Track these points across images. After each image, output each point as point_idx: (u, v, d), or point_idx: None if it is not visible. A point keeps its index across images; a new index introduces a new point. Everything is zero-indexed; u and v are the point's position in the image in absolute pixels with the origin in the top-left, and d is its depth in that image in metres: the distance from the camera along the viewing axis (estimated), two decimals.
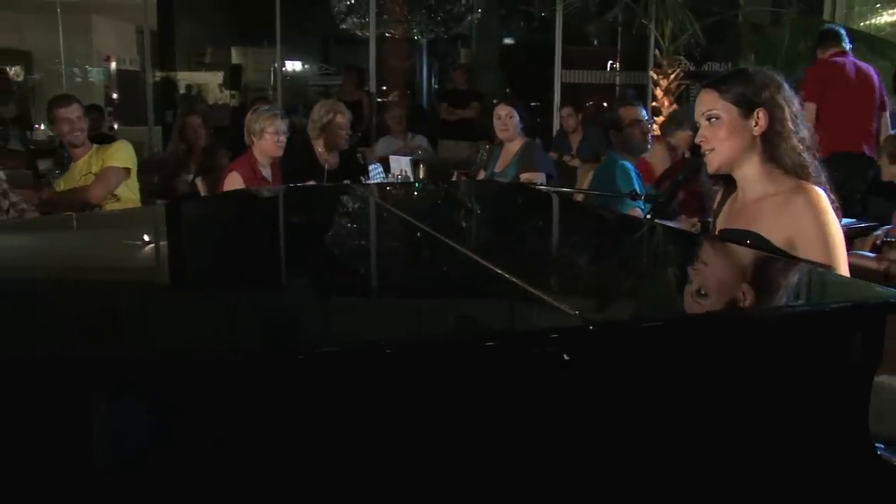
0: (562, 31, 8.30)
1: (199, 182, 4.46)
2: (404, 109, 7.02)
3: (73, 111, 4.12)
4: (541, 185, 3.04)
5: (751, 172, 2.11)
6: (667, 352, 1.13)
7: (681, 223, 3.83)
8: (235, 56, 11.40)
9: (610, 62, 9.71)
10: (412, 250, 1.75)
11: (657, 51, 6.44)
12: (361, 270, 1.64)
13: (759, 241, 2.04)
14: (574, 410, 1.10)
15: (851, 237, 4.05)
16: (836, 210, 2.06)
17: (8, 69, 9.96)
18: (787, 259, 1.87)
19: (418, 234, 1.84)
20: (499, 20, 10.50)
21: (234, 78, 11.03)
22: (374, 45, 8.78)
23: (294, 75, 11.49)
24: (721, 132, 2.09)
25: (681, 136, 4.78)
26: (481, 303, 1.28)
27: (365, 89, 8.41)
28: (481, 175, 5.04)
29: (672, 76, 6.25)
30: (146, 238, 1.90)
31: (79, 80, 10.37)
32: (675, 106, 6.25)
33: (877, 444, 1.34)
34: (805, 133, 2.10)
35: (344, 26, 10.12)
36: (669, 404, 1.15)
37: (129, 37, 10.67)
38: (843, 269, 1.99)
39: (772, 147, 2.07)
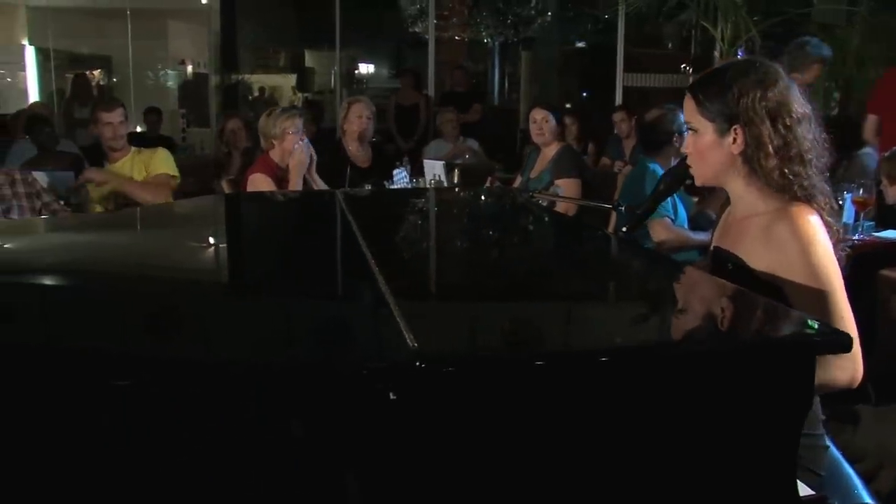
0: (629, 34, 8.05)
1: (224, 184, 4.45)
2: (456, 113, 6.90)
3: (115, 116, 4.12)
4: (532, 193, 2.87)
5: (736, 188, 1.90)
6: (526, 395, 0.98)
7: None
8: (308, 59, 11.54)
9: (683, 65, 9.38)
10: (309, 255, 1.63)
11: (717, 53, 6.14)
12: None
13: (741, 266, 1.84)
14: (415, 456, 0.96)
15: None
16: (832, 233, 1.83)
17: (88, 73, 10.32)
18: (751, 289, 1.65)
19: (338, 240, 1.72)
20: (559, 22, 10.28)
21: (306, 80, 11.16)
22: (433, 48, 8.71)
23: (366, 78, 11.56)
24: (700, 147, 1.88)
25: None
26: (335, 322, 1.15)
27: (423, 92, 8.33)
28: (517, 181, 4.90)
29: None
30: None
31: (151, 83, 10.66)
32: None
33: None
34: (800, 147, 1.83)
35: (416, 30, 10.13)
36: (533, 451, 1.00)
37: (203, 41, 10.91)
38: (838, 299, 1.74)
39: (750, 167, 1.83)
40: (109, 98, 4.85)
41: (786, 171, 1.79)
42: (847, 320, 1.73)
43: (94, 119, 4.27)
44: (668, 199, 3.61)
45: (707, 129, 1.84)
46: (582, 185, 4.41)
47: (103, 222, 2.77)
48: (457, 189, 4.26)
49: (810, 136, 1.82)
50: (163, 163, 4.18)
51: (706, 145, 1.86)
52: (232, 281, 1.50)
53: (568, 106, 9.81)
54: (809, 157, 1.83)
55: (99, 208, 4.10)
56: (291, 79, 11.32)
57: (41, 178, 4.63)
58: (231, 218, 2.31)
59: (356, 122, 4.63)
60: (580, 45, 10.82)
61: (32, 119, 5.76)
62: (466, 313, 1.21)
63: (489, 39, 10.79)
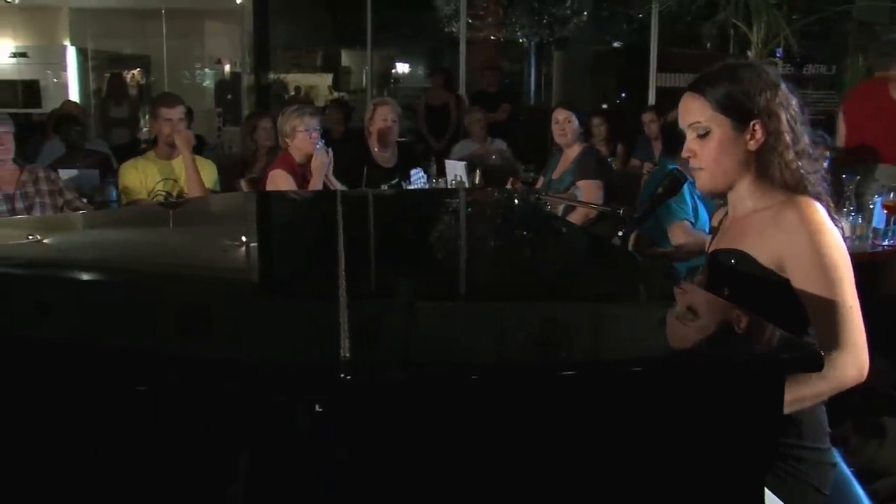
0: (665, 34, 7.93)
1: (243, 183, 4.46)
2: (484, 113, 6.83)
3: (176, 112, 4.09)
4: (539, 196, 2.79)
5: (741, 189, 1.84)
6: (462, 410, 0.93)
7: None
8: (345, 58, 11.57)
9: None
10: (277, 258, 1.59)
11: (750, 53, 5.99)
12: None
13: (744, 261, 1.78)
14: (345, 471, 0.92)
15: None
16: (839, 228, 1.77)
17: (124, 73, 10.48)
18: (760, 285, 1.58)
19: (316, 242, 1.68)
20: (592, 22, 10.16)
21: (343, 80, 11.18)
22: (465, 48, 8.66)
23: (402, 78, 11.56)
24: (712, 148, 1.80)
25: None
26: (275, 327, 1.12)
27: (455, 92, 8.28)
28: (540, 182, 4.84)
29: None
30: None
31: (188, 82, 10.77)
32: None
33: None
34: (804, 143, 1.80)
35: (452, 29, 10.10)
36: (473, 470, 0.94)
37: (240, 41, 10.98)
38: (846, 289, 1.69)
39: (766, 163, 1.78)
40: (170, 94, 4.81)
41: (801, 163, 1.77)
42: (854, 310, 1.68)
43: (153, 114, 4.19)
44: (689, 201, 3.54)
45: (722, 126, 1.78)
46: (604, 186, 4.33)
47: (135, 218, 2.76)
48: (464, 190, 4.21)
49: (806, 137, 1.79)
50: (207, 177, 4.17)
51: (721, 144, 1.79)
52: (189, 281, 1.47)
53: (605, 107, 9.71)
54: (811, 152, 1.80)
55: (145, 194, 4.08)
56: (328, 78, 11.36)
57: (67, 175, 4.70)
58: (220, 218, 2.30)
59: (381, 123, 4.61)
60: (616, 45, 10.70)
61: (62, 118, 5.83)
62: (420, 322, 1.16)
63: (524, 39, 10.71)
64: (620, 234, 1.89)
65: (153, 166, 4.12)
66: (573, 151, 4.46)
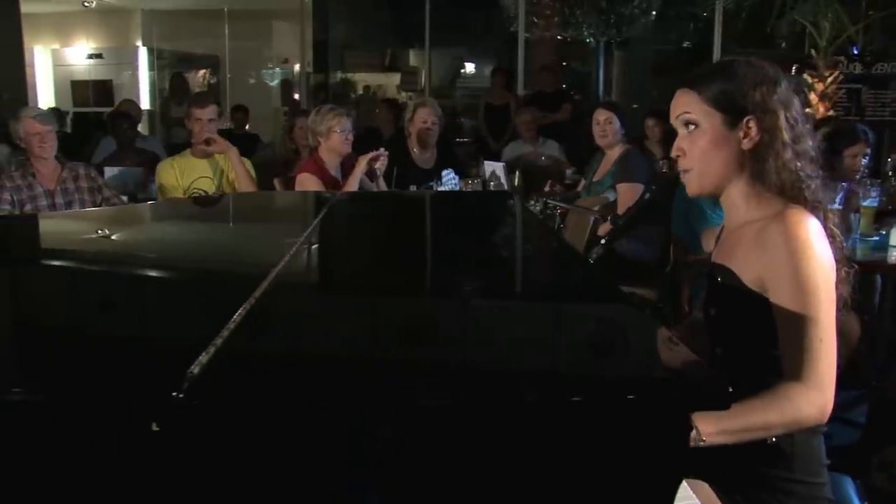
0: (736, 33, 7.64)
1: (276, 182, 4.46)
2: (535, 114, 6.69)
3: (207, 112, 4.11)
4: (546, 200, 2.64)
5: (733, 193, 1.69)
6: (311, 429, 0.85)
7: None
8: (413, 59, 11.57)
9: (795, 66, 8.84)
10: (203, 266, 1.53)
11: (813, 50, 5.71)
12: None
13: (730, 279, 1.64)
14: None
15: None
16: (835, 246, 1.61)
17: (193, 72, 10.72)
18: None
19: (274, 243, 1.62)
20: (656, 21, 9.88)
21: (411, 79, 11.17)
22: (523, 47, 8.54)
23: (468, 76, 11.51)
24: (702, 144, 1.66)
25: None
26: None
27: (516, 92, 8.16)
28: (581, 185, 4.70)
29: (830, 79, 5.49)
30: None
31: (253, 81, 10.95)
32: (830, 112, 5.50)
33: None
34: (807, 144, 1.64)
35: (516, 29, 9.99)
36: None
37: (304, 40, 11.09)
38: (823, 324, 1.53)
39: (761, 162, 1.63)
40: (203, 94, 4.83)
41: (799, 164, 1.62)
42: (825, 345, 1.52)
43: (187, 114, 4.24)
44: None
45: (713, 121, 1.64)
46: (645, 190, 4.16)
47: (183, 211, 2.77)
48: (463, 193, 4.11)
49: (809, 140, 1.63)
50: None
51: (711, 140, 1.64)
52: None
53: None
54: (813, 154, 1.64)
55: (180, 192, 4.11)
56: (395, 78, 11.38)
57: (110, 173, 4.80)
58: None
59: (420, 125, 4.55)
60: (686, 44, 10.39)
61: (116, 116, 5.96)
62: (318, 336, 1.08)
63: (591, 39, 10.52)
64: (603, 241, 1.77)
65: (189, 165, 4.15)
66: (615, 153, 4.31)
